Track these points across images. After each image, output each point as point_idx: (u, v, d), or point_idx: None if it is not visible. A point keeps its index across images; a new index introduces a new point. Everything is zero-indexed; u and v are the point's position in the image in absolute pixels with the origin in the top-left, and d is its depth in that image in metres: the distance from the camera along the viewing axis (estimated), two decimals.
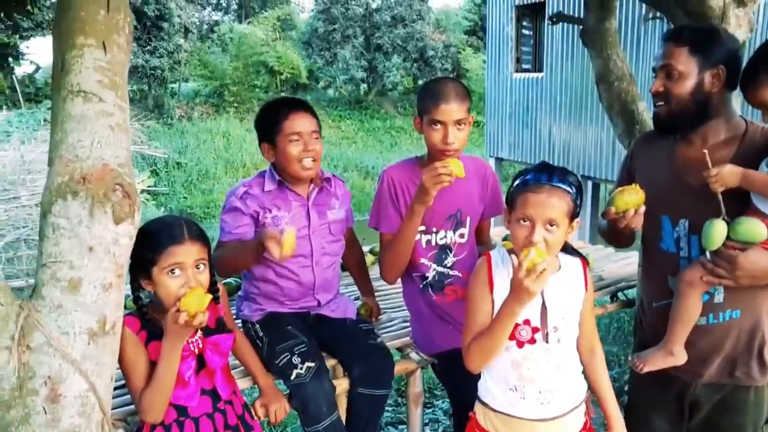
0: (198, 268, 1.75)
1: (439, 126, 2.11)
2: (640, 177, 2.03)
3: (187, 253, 1.73)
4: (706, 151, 1.75)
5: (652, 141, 2.12)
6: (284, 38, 24.57)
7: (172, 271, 1.71)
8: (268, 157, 2.29)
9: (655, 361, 1.97)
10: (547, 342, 1.70)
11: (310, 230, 2.33)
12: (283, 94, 22.34)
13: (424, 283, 2.36)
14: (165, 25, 20.00)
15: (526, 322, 1.70)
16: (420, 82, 24.52)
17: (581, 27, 3.23)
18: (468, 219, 2.34)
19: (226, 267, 2.23)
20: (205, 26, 27.68)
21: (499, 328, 1.64)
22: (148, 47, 19.83)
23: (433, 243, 2.33)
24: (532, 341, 1.70)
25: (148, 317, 1.78)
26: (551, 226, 1.62)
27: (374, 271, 2.73)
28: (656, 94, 1.90)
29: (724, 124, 1.92)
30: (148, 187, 15.90)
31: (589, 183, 10.27)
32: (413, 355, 2.44)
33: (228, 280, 2.89)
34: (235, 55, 22.44)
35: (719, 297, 1.91)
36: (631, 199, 1.79)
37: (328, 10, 23.32)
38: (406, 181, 2.27)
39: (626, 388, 2.22)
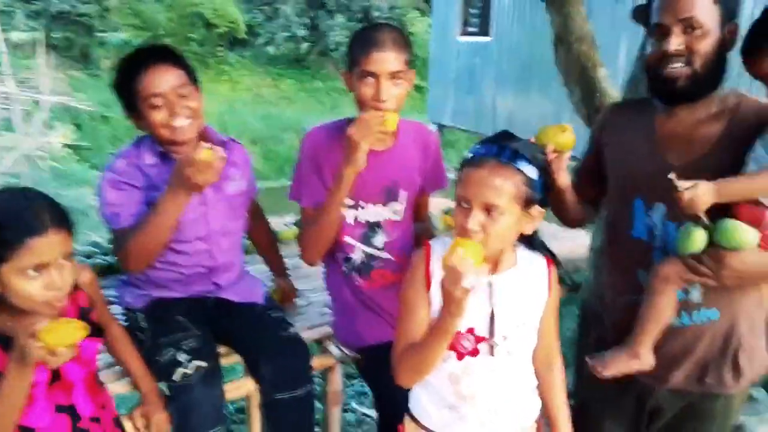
0: (62, 262, 1.35)
1: (370, 79, 1.74)
2: (611, 153, 1.75)
3: (51, 246, 1.31)
4: (673, 175, 1.45)
5: (625, 112, 1.83)
6: None
7: (28, 271, 1.29)
8: (141, 128, 1.85)
9: (617, 365, 1.69)
10: (492, 354, 1.38)
11: (206, 208, 1.91)
12: (219, 48, 21.75)
13: (349, 265, 2.01)
14: None
15: (470, 330, 1.37)
16: None
17: None
18: (404, 193, 1.99)
19: (142, 251, 1.77)
20: None
21: (433, 343, 1.32)
22: None
23: (362, 220, 1.97)
24: (474, 353, 1.38)
25: None
26: (492, 211, 1.31)
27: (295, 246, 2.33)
28: (676, 53, 1.56)
29: (716, 95, 1.63)
30: (71, 141, 15.18)
31: None
32: (333, 349, 2.09)
33: (98, 260, 2.45)
34: (170, 5, 21.38)
35: (696, 295, 1.65)
36: (555, 135, 1.56)
37: None
38: (334, 147, 1.89)
39: (575, 387, 1.92)
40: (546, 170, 1.41)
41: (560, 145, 1.55)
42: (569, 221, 1.88)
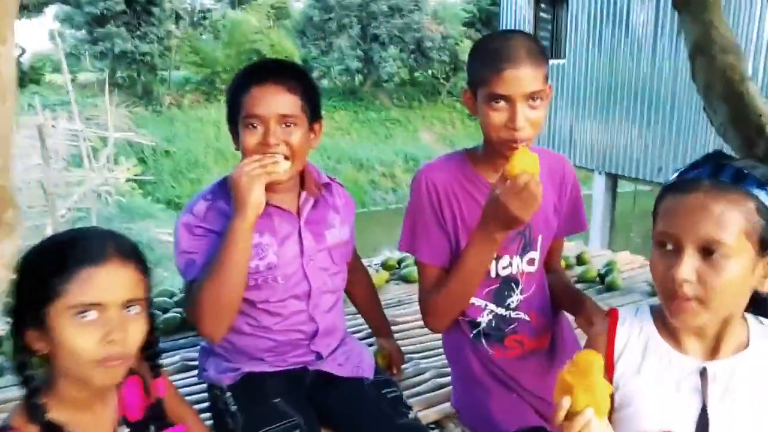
0: (128, 311, 1.03)
1: (501, 102, 1.38)
2: None
3: (111, 282, 1.01)
4: None
5: None
6: (278, 26, 24.00)
7: (82, 313, 0.98)
8: (237, 148, 1.53)
9: None
10: None
11: (303, 260, 1.57)
12: None
13: (477, 330, 1.62)
14: (156, 10, 19.75)
15: None
16: (417, 74, 24.07)
17: None
18: (539, 238, 1.60)
19: (214, 304, 1.42)
20: (198, 12, 26.88)
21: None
22: (138, 32, 19.53)
23: (493, 274, 1.58)
24: None
25: (45, 417, 1.01)
26: (713, 253, 0.93)
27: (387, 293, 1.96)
28: None
29: None
30: (135, 175, 15.45)
31: (612, 183, 9.54)
32: None
33: (171, 314, 2.12)
34: (228, 43, 22.05)
35: None
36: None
37: None
38: (456, 187, 1.55)
39: None
40: None
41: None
42: None
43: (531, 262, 1.62)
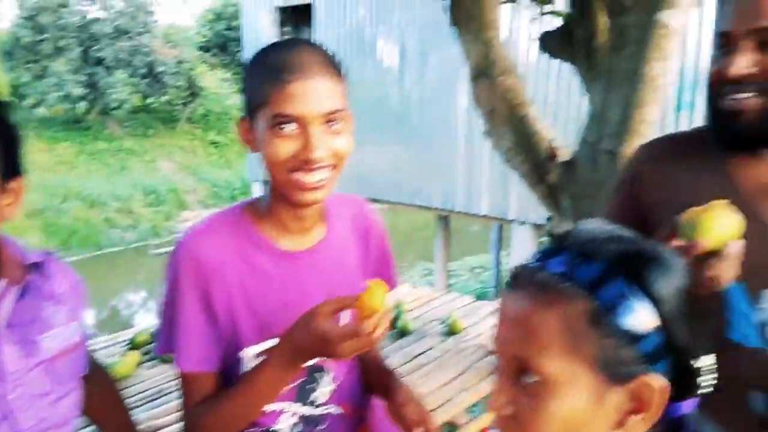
0: None
1: (290, 126, 1.02)
2: (668, 217, 1.15)
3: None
4: None
5: (675, 157, 1.26)
6: None
7: None
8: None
9: None
10: None
11: (4, 388, 1.03)
12: None
13: None
14: None
15: None
16: (151, 100, 22.86)
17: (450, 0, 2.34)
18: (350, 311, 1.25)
19: None
20: None
21: None
22: None
23: None
24: None
25: None
26: (527, 376, 0.65)
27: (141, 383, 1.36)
28: (741, 78, 1.05)
29: None
30: None
31: (379, 207, 9.63)
32: None
33: None
34: None
35: None
36: (730, 225, 0.98)
37: (35, 17, 20.58)
38: (232, 258, 1.13)
39: None
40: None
41: (736, 235, 0.99)
42: None
43: None
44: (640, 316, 0.62)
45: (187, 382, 1.14)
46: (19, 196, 1.03)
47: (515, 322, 0.64)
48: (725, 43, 1.08)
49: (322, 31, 9.60)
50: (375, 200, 9.58)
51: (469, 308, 2.97)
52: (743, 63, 1.04)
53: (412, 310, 2.89)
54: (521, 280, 0.66)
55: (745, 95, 1.06)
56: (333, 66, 1.06)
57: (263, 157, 1.05)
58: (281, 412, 1.19)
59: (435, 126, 7.97)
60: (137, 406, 1.39)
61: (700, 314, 1.19)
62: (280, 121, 1.00)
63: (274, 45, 1.09)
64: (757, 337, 1.12)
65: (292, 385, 1.18)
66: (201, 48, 24.74)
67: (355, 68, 9.29)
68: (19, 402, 1.02)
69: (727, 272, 0.97)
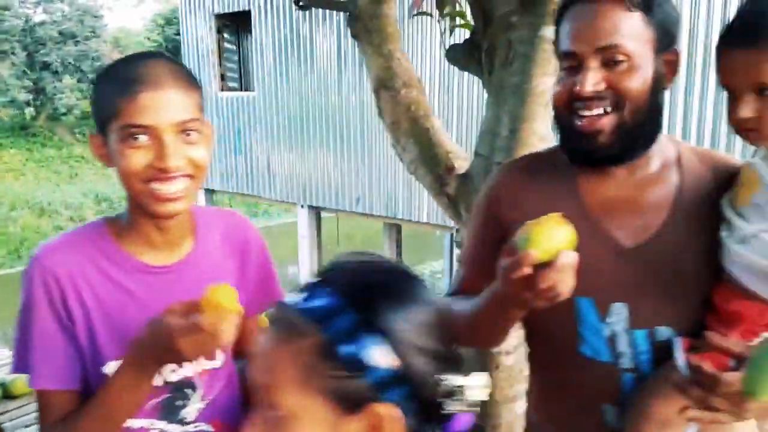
0: None
1: (142, 137, 1.04)
2: None
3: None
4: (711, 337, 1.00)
5: (531, 175, 1.28)
6: None
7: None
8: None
9: None
10: None
11: None
12: None
13: None
14: None
15: None
16: None
17: (348, 13, 2.34)
18: None
19: None
20: None
21: None
22: None
23: (159, 382, 1.17)
24: None
25: None
26: (271, 410, 0.70)
27: None
28: (593, 95, 1.09)
29: (655, 145, 1.20)
30: None
31: (315, 215, 9.66)
32: None
33: None
34: None
35: None
36: (560, 236, 1.00)
37: None
38: (91, 272, 1.13)
39: None
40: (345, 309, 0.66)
41: (568, 245, 1.01)
42: (490, 342, 1.30)
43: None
44: (367, 348, 0.63)
45: (42, 399, 1.12)
46: None
47: (262, 358, 0.66)
48: (572, 63, 1.11)
49: (261, 37, 9.61)
50: (318, 208, 9.59)
51: None
52: (594, 80, 1.07)
53: None
54: (274, 315, 0.68)
55: (598, 112, 1.09)
56: (185, 77, 1.06)
57: (118, 170, 1.04)
58: (147, 430, 1.17)
59: (375, 133, 8.00)
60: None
61: (554, 331, 1.22)
62: (132, 132, 1.00)
63: (123, 59, 1.09)
64: (607, 351, 1.15)
65: (155, 401, 1.17)
66: None
67: (295, 75, 9.31)
68: None
69: (561, 283, 0.98)
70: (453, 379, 0.68)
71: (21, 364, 1.11)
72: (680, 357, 1.08)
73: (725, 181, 1.15)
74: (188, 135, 1.04)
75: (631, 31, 1.07)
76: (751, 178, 1.09)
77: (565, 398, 1.26)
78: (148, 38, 25.00)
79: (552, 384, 1.28)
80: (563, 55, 1.12)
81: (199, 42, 10.54)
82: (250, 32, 9.88)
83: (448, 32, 2.48)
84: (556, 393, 1.28)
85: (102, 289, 1.11)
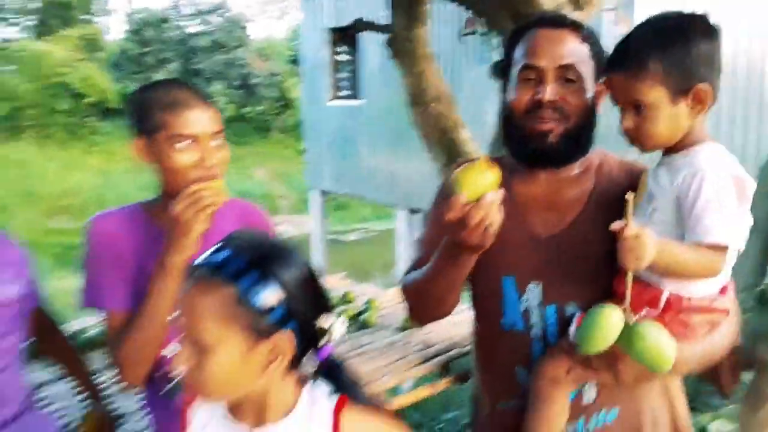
0: None
1: (186, 144, 1.39)
2: None
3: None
4: (630, 197, 1.15)
5: None
6: (90, 60, 22.59)
7: None
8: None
9: None
10: None
11: None
12: (90, 118, 20.83)
13: (173, 386, 1.57)
14: None
15: None
16: (246, 109, 23.91)
17: (388, 36, 2.66)
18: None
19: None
20: None
21: None
22: None
23: None
24: None
25: None
26: (197, 342, 1.01)
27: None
28: (551, 104, 1.32)
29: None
30: None
31: (416, 216, 9.93)
32: None
33: None
34: (34, 75, 20.17)
35: (590, 394, 1.37)
36: (485, 179, 1.10)
37: (140, 31, 22.23)
38: (131, 237, 1.49)
39: None
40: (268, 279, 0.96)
41: (493, 186, 1.12)
42: (443, 309, 1.46)
43: None
44: (269, 296, 0.93)
45: (108, 320, 1.48)
46: None
47: (187, 305, 0.95)
48: (531, 75, 1.33)
49: (369, 48, 9.98)
50: (418, 211, 9.80)
51: None
52: (553, 92, 1.31)
53: (387, 307, 3.18)
54: (191, 274, 0.97)
55: (554, 118, 1.32)
56: (207, 99, 1.44)
57: (165, 167, 1.41)
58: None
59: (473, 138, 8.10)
60: None
61: (485, 306, 1.46)
62: (179, 139, 1.38)
63: (152, 85, 1.47)
64: (522, 323, 1.40)
65: None
66: (292, 61, 25.63)
67: (399, 83, 9.49)
68: None
69: (488, 218, 1.12)
70: (325, 319, 1.00)
71: (90, 299, 1.49)
72: (573, 327, 1.30)
73: (637, 185, 1.35)
74: (217, 139, 1.42)
75: (584, 58, 1.31)
76: (643, 182, 1.32)
77: (491, 364, 1.50)
78: (289, 48, 26.11)
79: (485, 353, 1.53)
80: (524, 67, 1.33)
81: (315, 54, 11.16)
82: (360, 44, 10.35)
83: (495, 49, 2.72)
84: (485, 360, 1.53)
85: (146, 255, 1.46)
